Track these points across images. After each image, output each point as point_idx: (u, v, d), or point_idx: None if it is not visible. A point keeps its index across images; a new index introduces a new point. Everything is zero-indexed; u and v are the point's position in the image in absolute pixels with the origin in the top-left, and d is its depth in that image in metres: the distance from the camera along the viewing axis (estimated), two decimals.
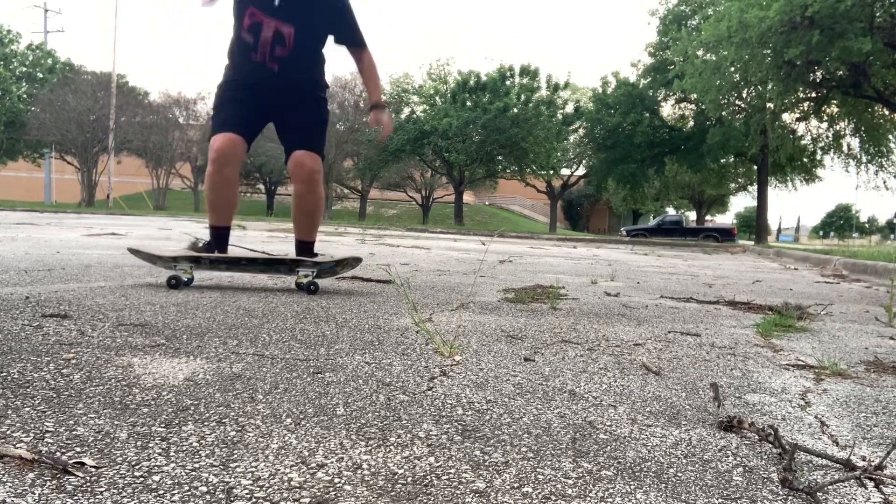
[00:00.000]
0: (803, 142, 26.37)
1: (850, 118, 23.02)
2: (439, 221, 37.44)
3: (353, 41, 3.21)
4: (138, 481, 0.92)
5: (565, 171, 37.87)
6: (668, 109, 30.51)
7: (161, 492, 0.90)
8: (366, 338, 2.06)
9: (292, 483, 0.95)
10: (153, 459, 1.00)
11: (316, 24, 3.07)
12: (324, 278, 3.34)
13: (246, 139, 3.11)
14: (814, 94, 21.40)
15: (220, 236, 3.23)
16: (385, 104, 3.35)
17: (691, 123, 29.10)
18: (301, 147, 3.14)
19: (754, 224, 34.91)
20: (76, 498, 0.86)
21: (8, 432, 1.07)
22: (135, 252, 3.16)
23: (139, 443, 1.06)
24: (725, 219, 58.97)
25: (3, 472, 0.92)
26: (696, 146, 27.14)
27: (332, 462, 1.04)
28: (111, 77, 30.05)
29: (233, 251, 3.33)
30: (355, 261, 3.32)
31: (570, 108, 34.34)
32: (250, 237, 8.07)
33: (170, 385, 1.40)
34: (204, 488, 0.92)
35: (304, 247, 3.33)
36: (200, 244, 3.25)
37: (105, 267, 3.74)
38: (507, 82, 32.90)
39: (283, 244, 7.26)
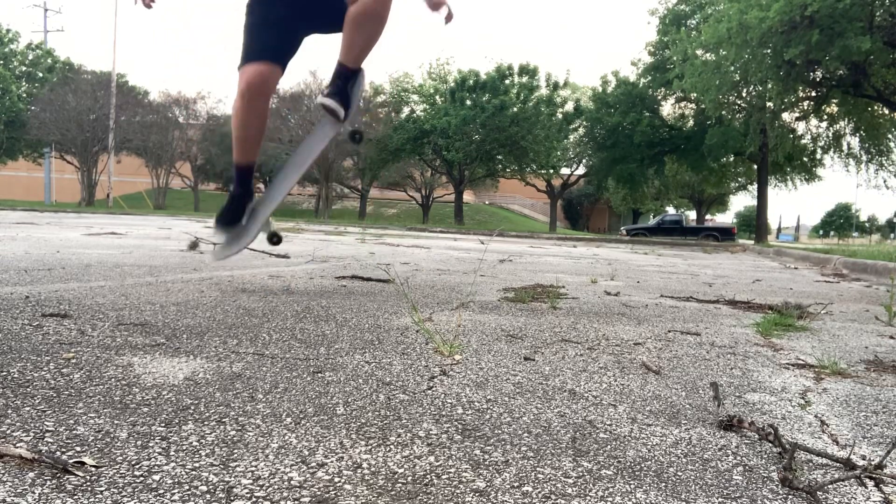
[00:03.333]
0: (803, 141, 26.39)
1: (850, 117, 23.03)
2: (439, 221, 37.45)
3: None
4: (138, 481, 0.92)
5: (565, 171, 37.89)
6: (667, 109, 30.55)
7: (161, 491, 0.90)
8: (366, 337, 2.06)
9: (292, 482, 0.95)
10: (153, 459, 1.00)
11: None
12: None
13: (280, 65, 2.83)
14: (813, 94, 21.41)
15: (244, 174, 3.02)
16: None
17: (691, 123, 29.12)
18: None
19: (754, 223, 34.94)
20: (76, 497, 0.86)
21: (8, 432, 1.07)
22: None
23: (139, 442, 1.06)
24: (725, 218, 59.05)
25: (3, 471, 0.92)
26: (695, 145, 27.16)
27: (332, 461, 1.04)
28: (111, 76, 30.06)
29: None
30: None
31: (569, 107, 34.34)
32: None
33: (170, 384, 1.40)
34: (204, 487, 0.92)
35: (344, 72, 2.88)
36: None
37: (105, 266, 3.74)
38: (507, 81, 32.89)
39: (283, 244, 7.24)
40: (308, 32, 2.96)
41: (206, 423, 1.17)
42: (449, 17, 2.92)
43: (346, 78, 2.90)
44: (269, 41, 2.81)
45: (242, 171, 3.01)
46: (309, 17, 2.89)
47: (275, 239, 3.00)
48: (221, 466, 0.99)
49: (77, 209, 22.95)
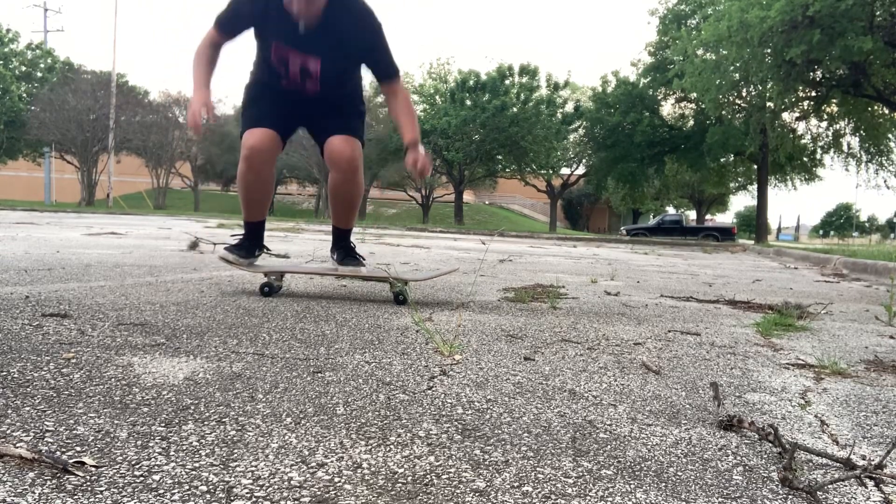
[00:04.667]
0: (803, 141, 26.38)
1: (850, 117, 23.03)
2: (439, 221, 37.45)
3: (385, 74, 2.89)
4: (138, 480, 0.92)
5: (565, 171, 37.87)
6: (667, 108, 30.53)
7: (161, 491, 0.90)
8: (366, 337, 2.06)
9: (292, 482, 0.95)
10: (153, 459, 1.00)
11: (346, 55, 2.81)
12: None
13: (281, 136, 2.87)
14: (814, 94, 21.41)
15: (254, 230, 3.06)
16: (419, 141, 2.93)
17: (691, 122, 29.10)
18: (337, 132, 2.88)
19: (754, 223, 34.93)
20: (76, 497, 0.86)
21: (8, 431, 1.07)
22: (225, 259, 2.99)
23: (139, 442, 1.06)
24: (725, 218, 59.02)
25: (3, 471, 0.92)
26: (695, 145, 27.14)
27: (332, 461, 1.04)
28: (111, 76, 30.04)
29: (323, 266, 3.26)
30: (449, 272, 3.36)
31: (569, 108, 34.33)
32: None
33: (170, 384, 1.40)
34: (204, 487, 0.92)
35: (341, 234, 3.14)
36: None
37: (105, 266, 3.74)
38: (507, 81, 32.88)
39: (283, 244, 7.25)
40: (302, 122, 3.07)
41: (206, 423, 1.17)
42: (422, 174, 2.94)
43: (345, 238, 3.14)
44: (271, 111, 2.88)
45: (252, 226, 3.06)
46: (299, 115, 2.99)
47: (401, 298, 2.95)
48: (221, 466, 0.99)
49: (77, 209, 22.95)
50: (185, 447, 1.05)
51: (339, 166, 2.89)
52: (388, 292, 3.09)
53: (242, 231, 3.10)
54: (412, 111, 2.96)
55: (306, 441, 1.12)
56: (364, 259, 3.12)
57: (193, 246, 5.57)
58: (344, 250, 3.12)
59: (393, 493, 0.94)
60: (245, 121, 2.90)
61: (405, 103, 2.94)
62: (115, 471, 0.95)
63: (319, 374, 1.56)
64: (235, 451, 1.05)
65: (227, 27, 2.81)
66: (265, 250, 3.16)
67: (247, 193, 2.94)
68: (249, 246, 3.02)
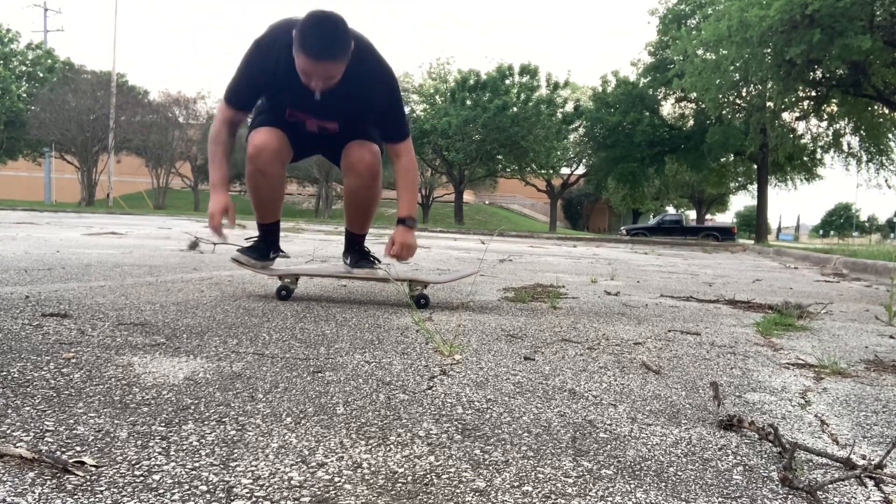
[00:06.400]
0: (803, 140, 26.39)
1: (850, 117, 23.04)
2: (439, 220, 37.44)
3: (393, 136, 2.78)
4: (138, 480, 0.92)
5: (565, 170, 37.88)
6: (668, 108, 30.54)
7: (161, 491, 0.90)
8: (366, 337, 2.06)
9: (292, 482, 0.95)
10: (153, 458, 1.00)
11: (363, 116, 2.75)
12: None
13: (291, 141, 2.74)
14: (814, 93, 21.42)
15: (270, 231, 2.95)
16: (414, 221, 2.78)
17: (691, 122, 29.11)
18: (356, 137, 2.77)
19: (754, 223, 34.93)
20: (76, 497, 0.86)
21: (8, 431, 1.07)
22: (237, 261, 2.92)
23: (139, 442, 1.06)
24: (725, 218, 59.02)
25: (3, 471, 0.92)
26: (696, 145, 27.15)
27: (332, 461, 1.04)
28: (111, 76, 30.04)
29: (337, 268, 3.19)
30: (470, 275, 3.27)
31: (569, 107, 34.33)
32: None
33: (170, 384, 1.40)
34: (204, 487, 0.92)
35: (355, 240, 3.05)
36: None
37: (105, 266, 3.74)
38: (507, 81, 32.89)
39: (283, 244, 7.24)
40: (318, 148, 2.98)
41: (206, 422, 1.17)
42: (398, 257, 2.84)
43: (359, 242, 3.07)
44: (281, 121, 2.73)
45: (265, 228, 2.95)
46: (314, 141, 2.88)
47: (423, 301, 2.89)
48: (221, 466, 0.99)
49: (77, 209, 22.95)
50: (185, 447, 1.05)
51: (359, 172, 2.79)
52: (401, 295, 3.07)
53: (255, 234, 2.99)
54: (414, 181, 2.81)
55: (306, 441, 1.12)
56: (379, 260, 3.01)
57: (193, 246, 5.57)
58: (358, 253, 3.04)
59: (393, 492, 0.94)
60: (253, 123, 2.79)
61: (407, 171, 2.78)
62: (115, 471, 0.95)
63: (319, 374, 1.56)
64: (235, 450, 1.05)
65: (239, 102, 2.67)
66: (280, 253, 3.04)
67: (256, 194, 2.82)
68: (264, 248, 2.91)
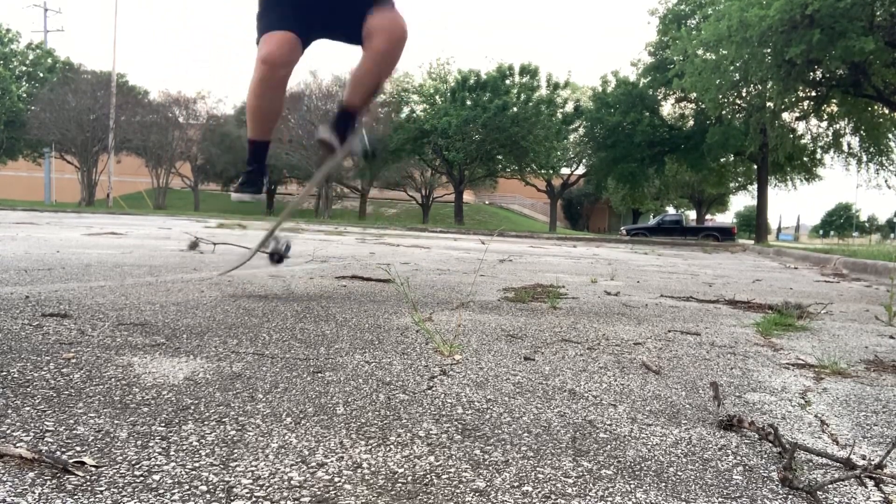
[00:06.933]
0: (803, 141, 26.40)
1: (850, 117, 23.05)
2: (439, 220, 37.44)
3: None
4: (138, 480, 0.92)
5: (565, 171, 37.88)
6: (668, 108, 30.55)
7: (161, 491, 0.90)
8: (366, 337, 2.06)
9: (292, 482, 0.95)
10: (153, 459, 1.00)
11: None
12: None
13: (301, 40, 2.63)
14: (814, 93, 21.43)
15: (259, 151, 2.84)
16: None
17: (691, 122, 29.12)
18: (380, 4, 2.61)
19: (754, 223, 34.94)
20: (76, 497, 0.86)
21: (8, 431, 1.07)
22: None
23: (139, 442, 1.06)
24: (725, 218, 59.03)
25: (3, 471, 0.92)
26: (696, 145, 27.16)
27: (332, 461, 1.04)
28: (111, 76, 30.04)
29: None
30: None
31: (570, 107, 34.33)
32: (250, 237, 8.07)
33: (170, 384, 1.40)
34: (204, 487, 0.92)
35: (348, 116, 2.84)
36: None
37: (105, 266, 3.74)
38: (507, 81, 32.88)
39: None
40: (320, 35, 2.84)
41: (206, 422, 1.17)
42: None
43: (351, 116, 2.87)
44: (288, 13, 2.64)
45: (257, 146, 2.85)
46: (326, 21, 2.77)
47: (276, 257, 2.93)
48: (221, 466, 0.99)
49: (77, 209, 22.95)
50: (185, 447, 1.05)
51: (394, 34, 2.62)
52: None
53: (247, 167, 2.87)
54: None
55: (306, 441, 1.12)
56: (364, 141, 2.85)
57: (193, 246, 5.55)
58: (344, 125, 2.84)
59: (393, 493, 0.94)
60: (261, 26, 2.66)
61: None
62: (115, 471, 0.95)
63: (319, 374, 1.56)
64: (235, 450, 1.05)
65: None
66: (282, 253, 2.99)
67: (259, 103, 2.70)
68: (257, 172, 2.81)
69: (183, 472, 0.96)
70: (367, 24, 2.65)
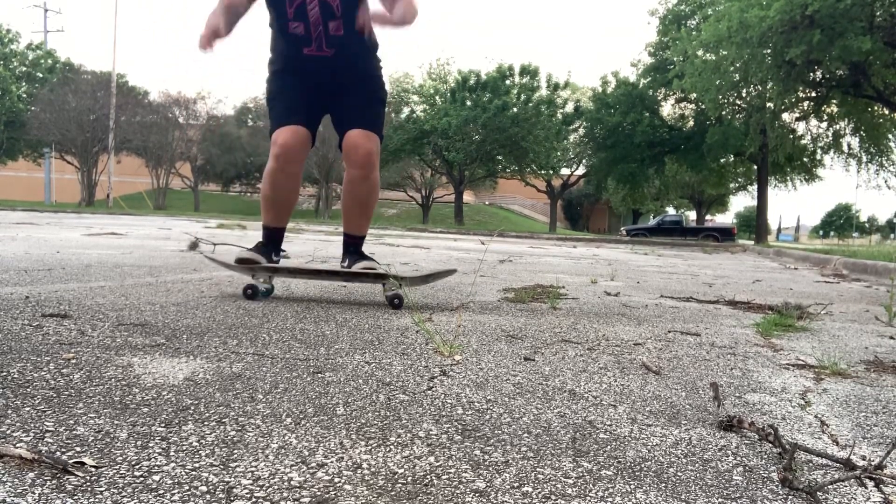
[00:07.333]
0: (803, 141, 26.39)
1: (850, 117, 23.04)
2: (439, 221, 37.44)
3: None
4: (138, 481, 0.92)
5: (565, 171, 37.86)
6: (667, 109, 30.54)
7: (161, 491, 0.90)
8: (366, 337, 2.06)
9: (292, 483, 0.95)
10: (153, 459, 1.00)
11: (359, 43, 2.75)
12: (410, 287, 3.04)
13: (310, 130, 2.81)
14: (814, 94, 21.43)
15: (275, 237, 2.96)
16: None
17: (691, 123, 29.11)
18: (355, 125, 2.80)
19: (754, 224, 34.94)
20: (76, 497, 0.86)
21: (8, 432, 1.07)
22: (212, 259, 2.93)
23: (139, 442, 1.06)
24: (725, 218, 59.00)
25: (3, 471, 0.92)
26: (696, 146, 27.15)
27: (332, 462, 1.04)
28: (111, 76, 30.04)
29: (311, 265, 3.07)
30: (447, 273, 3.09)
31: (570, 108, 34.33)
32: (250, 237, 8.07)
33: (170, 385, 1.40)
34: (204, 488, 0.92)
35: (354, 242, 2.97)
36: (249, 248, 2.95)
37: (105, 267, 3.74)
38: (507, 81, 32.89)
39: (283, 244, 7.24)
40: (325, 106, 2.95)
41: (206, 423, 1.17)
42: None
43: (357, 245, 2.99)
44: (297, 104, 2.79)
45: (272, 232, 2.94)
46: (322, 99, 2.88)
47: (396, 301, 2.83)
48: (221, 466, 0.99)
49: (77, 209, 22.95)
50: (185, 447, 1.05)
51: (356, 161, 2.81)
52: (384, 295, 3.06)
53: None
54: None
55: (306, 441, 1.12)
56: (378, 262, 2.95)
57: (193, 246, 5.57)
58: (357, 255, 2.96)
59: (393, 493, 0.94)
60: (274, 117, 2.81)
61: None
62: (115, 471, 0.95)
63: (319, 375, 1.56)
64: (235, 451, 1.05)
65: None
66: (282, 253, 3.02)
67: (274, 193, 2.83)
68: (265, 252, 2.88)
69: (183, 473, 0.96)
70: (343, 143, 2.84)
